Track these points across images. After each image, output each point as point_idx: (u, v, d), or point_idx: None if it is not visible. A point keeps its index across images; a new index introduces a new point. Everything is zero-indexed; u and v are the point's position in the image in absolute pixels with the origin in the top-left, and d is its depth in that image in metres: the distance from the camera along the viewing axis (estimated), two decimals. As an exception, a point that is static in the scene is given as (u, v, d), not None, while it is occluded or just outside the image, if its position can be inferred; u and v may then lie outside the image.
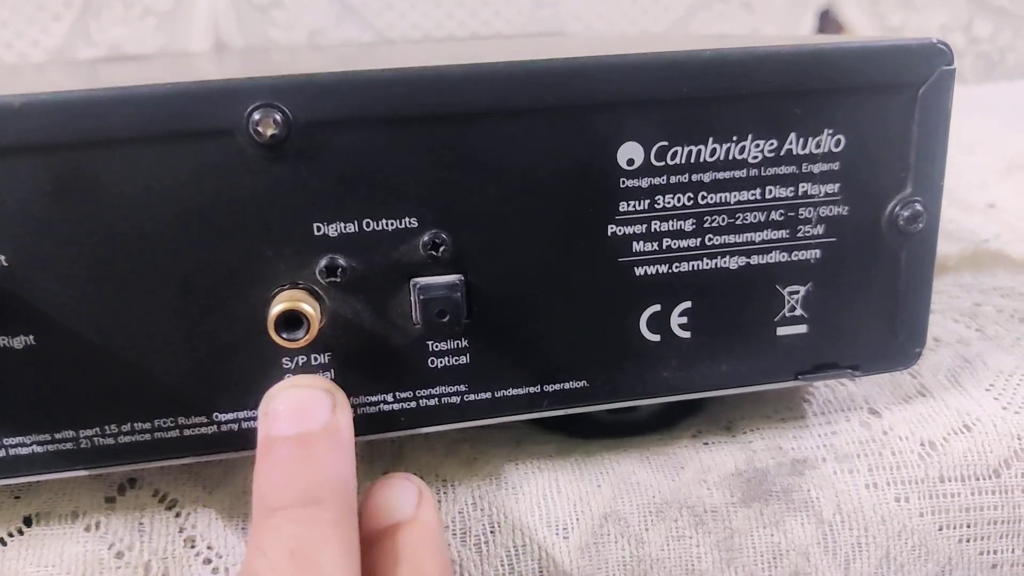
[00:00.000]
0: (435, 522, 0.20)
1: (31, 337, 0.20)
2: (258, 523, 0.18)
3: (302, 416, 0.19)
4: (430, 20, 0.90)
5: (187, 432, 0.21)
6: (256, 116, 0.19)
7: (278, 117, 0.19)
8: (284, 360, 0.21)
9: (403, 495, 0.20)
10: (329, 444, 0.19)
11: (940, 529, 0.24)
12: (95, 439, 0.21)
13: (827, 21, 1.01)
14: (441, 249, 0.21)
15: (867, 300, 0.23)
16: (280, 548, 0.18)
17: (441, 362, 0.22)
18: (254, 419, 0.22)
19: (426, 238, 0.20)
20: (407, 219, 0.20)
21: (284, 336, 0.20)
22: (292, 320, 0.20)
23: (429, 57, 0.24)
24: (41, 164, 0.19)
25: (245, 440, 0.22)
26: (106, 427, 0.21)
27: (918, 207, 0.22)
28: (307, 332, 0.20)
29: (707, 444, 0.25)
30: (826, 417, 0.25)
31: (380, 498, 0.20)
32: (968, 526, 0.24)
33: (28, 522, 0.23)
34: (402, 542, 0.19)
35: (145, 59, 0.44)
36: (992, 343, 0.28)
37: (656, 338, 0.22)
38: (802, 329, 0.23)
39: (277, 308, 0.20)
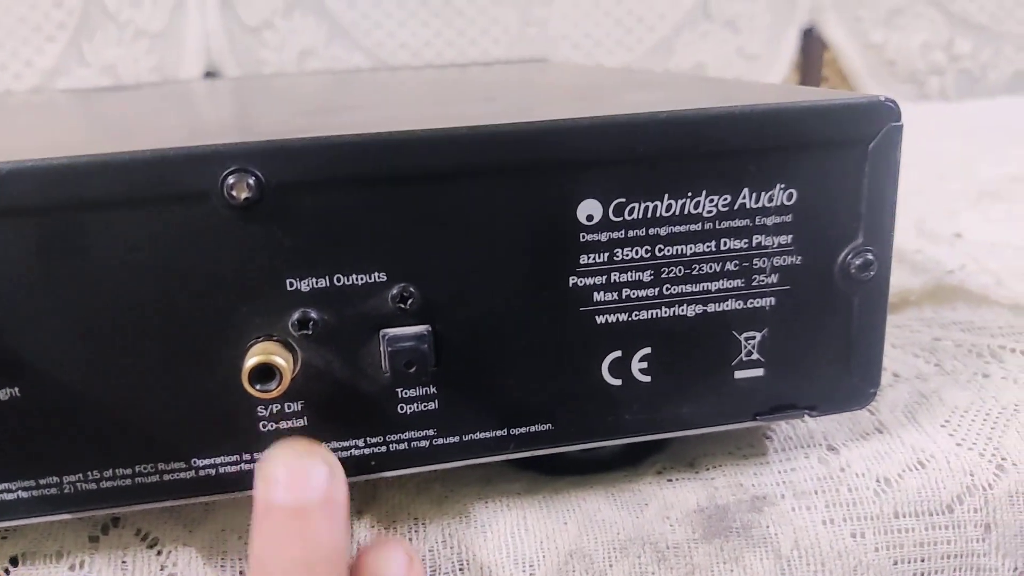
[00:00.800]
0: None
1: (16, 389, 0.21)
2: None
3: (301, 485, 0.20)
4: (419, 39, 0.91)
5: (167, 477, 0.22)
6: (230, 180, 0.20)
7: (251, 181, 0.20)
8: (259, 409, 0.22)
9: (394, 562, 0.21)
10: (326, 515, 0.20)
11: (895, 564, 0.25)
12: (78, 484, 0.22)
13: (811, 40, 1.02)
14: (409, 302, 0.22)
15: (822, 344, 0.24)
16: None
17: (411, 408, 0.23)
18: (230, 464, 0.22)
19: (395, 291, 0.21)
20: (376, 274, 0.21)
21: (258, 387, 0.21)
22: (265, 372, 0.21)
23: (399, 117, 0.25)
24: (27, 227, 0.20)
25: (222, 484, 0.23)
26: (89, 473, 0.22)
27: (869, 256, 0.23)
28: (279, 383, 0.21)
29: (671, 480, 0.26)
30: (786, 454, 0.26)
31: (371, 563, 0.21)
32: (922, 560, 0.25)
33: (15, 562, 0.23)
34: None
35: (131, 89, 0.45)
36: (949, 378, 0.29)
37: (618, 382, 0.23)
38: (759, 372, 0.24)
39: (251, 361, 0.21)
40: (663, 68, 0.96)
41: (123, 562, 0.23)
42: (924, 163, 0.61)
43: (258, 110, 0.31)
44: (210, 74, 0.88)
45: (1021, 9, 1.04)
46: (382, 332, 0.22)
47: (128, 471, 0.22)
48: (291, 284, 0.21)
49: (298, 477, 0.20)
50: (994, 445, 0.26)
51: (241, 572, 0.23)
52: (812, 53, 1.03)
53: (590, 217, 0.22)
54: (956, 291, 0.34)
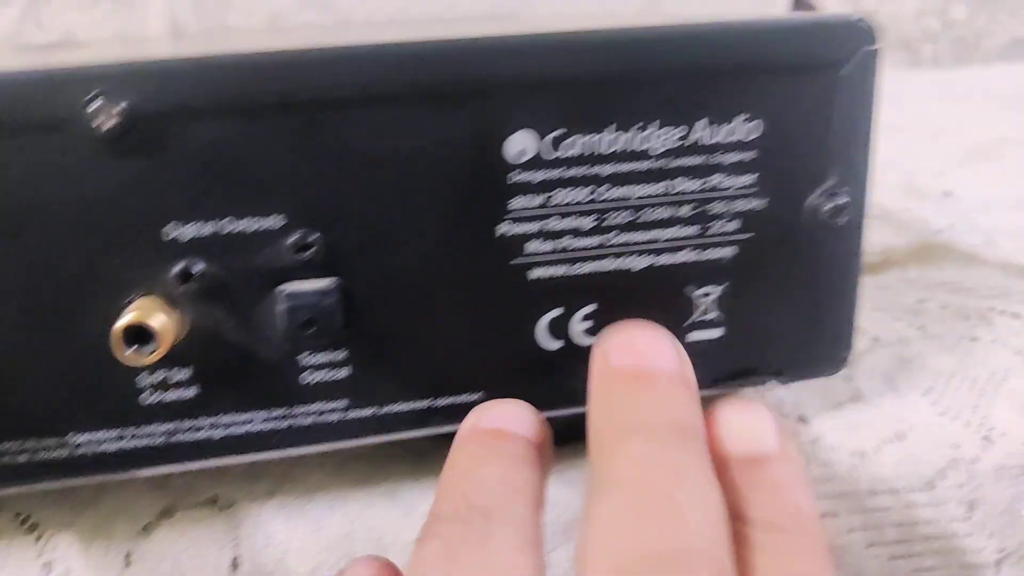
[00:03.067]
0: (803, 463, 0.19)
1: None
2: (614, 441, 0.17)
3: (659, 353, 0.18)
4: (393, 4, 0.87)
5: (40, 456, 0.19)
6: (94, 106, 0.17)
7: (117, 107, 0.17)
8: (140, 377, 0.19)
9: (765, 423, 0.18)
10: (687, 392, 0.18)
11: (870, 546, 0.22)
12: (-64, 465, 0.19)
13: (800, 5, 0.99)
14: (311, 251, 0.19)
15: (789, 301, 0.21)
16: (661, 460, 0.16)
17: (316, 376, 0.20)
18: (111, 441, 0.20)
19: (294, 239, 0.19)
20: (272, 218, 0.18)
21: (132, 350, 0.18)
22: (139, 334, 0.18)
23: (302, 40, 0.22)
24: None
25: (103, 463, 0.20)
26: (-54, 452, 0.19)
27: (841, 199, 0.20)
28: (155, 348, 0.18)
29: (623, 456, 0.23)
30: (751, 426, 0.24)
31: (737, 423, 0.18)
32: (900, 542, 0.22)
33: None
34: (776, 477, 0.18)
35: (81, 45, 0.42)
36: (934, 342, 0.26)
37: (558, 345, 0.21)
38: (717, 333, 0.21)
39: (120, 322, 0.18)
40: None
41: (-5, 550, 0.21)
42: (914, 125, 0.58)
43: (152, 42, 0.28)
44: (172, 40, 0.84)
45: (1015, -27, 1.01)
46: (280, 287, 0.19)
47: (-8, 450, 0.19)
48: (170, 231, 0.18)
49: (647, 345, 0.18)
50: (981, 415, 0.23)
51: (127, 554, 0.20)
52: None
53: (521, 153, 0.19)
54: (943, 250, 0.31)
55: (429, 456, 0.24)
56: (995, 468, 0.23)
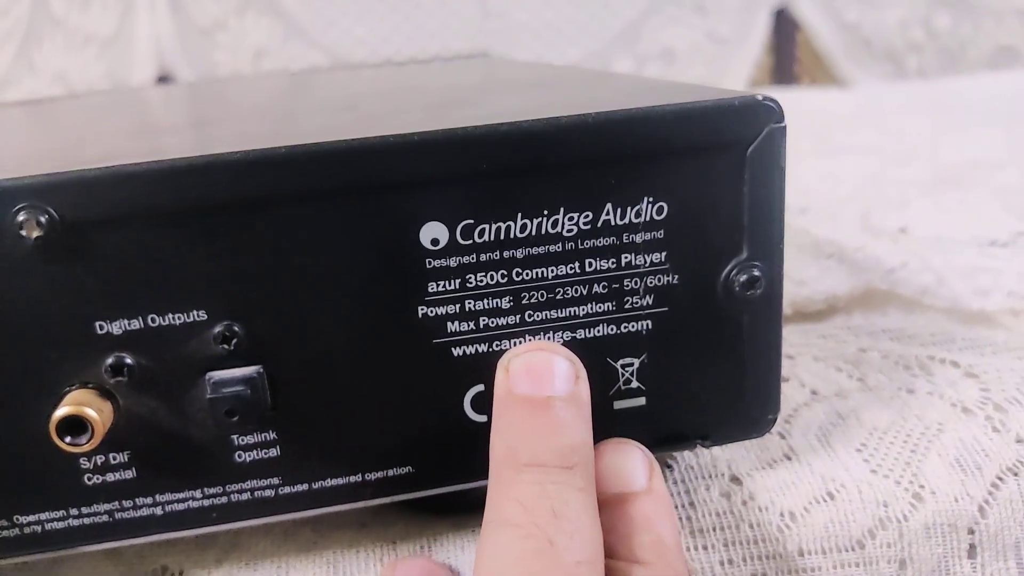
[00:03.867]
0: (668, 495, 0.21)
1: None
2: (510, 477, 0.19)
3: (550, 379, 0.20)
4: (376, 35, 0.89)
5: (-11, 537, 0.20)
6: (20, 218, 0.18)
7: (43, 218, 0.18)
8: (82, 461, 0.20)
9: (635, 462, 0.21)
10: (576, 412, 0.19)
11: (801, 605, 0.23)
12: None
13: (783, 20, 0.99)
14: (233, 342, 0.19)
15: (710, 369, 0.22)
16: (543, 505, 0.18)
17: (249, 455, 0.21)
18: (57, 520, 0.20)
19: (217, 331, 0.19)
20: (195, 312, 0.19)
21: (68, 441, 0.19)
22: (76, 424, 0.19)
23: (221, 137, 0.23)
24: None
25: (50, 540, 0.21)
26: None
27: (755, 271, 0.21)
28: (91, 436, 0.19)
29: (560, 519, 0.24)
30: (686, 485, 0.24)
31: (611, 465, 0.21)
32: (831, 600, 0.23)
33: None
34: (641, 512, 0.20)
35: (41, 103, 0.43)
36: (871, 395, 0.27)
37: (483, 418, 0.21)
38: (640, 402, 0.22)
39: (58, 413, 0.19)
40: (630, 55, 0.93)
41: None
42: (887, 148, 0.58)
43: (78, 133, 0.29)
44: (163, 78, 0.86)
45: (1002, -20, 1.01)
46: (208, 375, 0.20)
47: (-59, 534, 0.20)
48: (101, 327, 0.19)
49: (542, 371, 0.19)
50: (912, 471, 0.24)
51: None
52: (785, 34, 1.00)
53: (435, 241, 0.20)
54: (888, 296, 0.31)
55: (370, 525, 0.24)
56: (925, 526, 0.23)
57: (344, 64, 0.86)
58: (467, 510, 0.24)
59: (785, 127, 0.20)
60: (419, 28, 0.88)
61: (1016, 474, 0.24)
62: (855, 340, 0.30)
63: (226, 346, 0.19)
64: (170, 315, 0.19)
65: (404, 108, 0.26)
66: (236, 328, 0.19)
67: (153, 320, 0.19)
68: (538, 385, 0.19)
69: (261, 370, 0.20)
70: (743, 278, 0.21)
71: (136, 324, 0.19)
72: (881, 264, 0.35)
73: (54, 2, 0.84)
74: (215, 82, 0.57)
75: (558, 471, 0.19)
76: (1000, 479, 0.24)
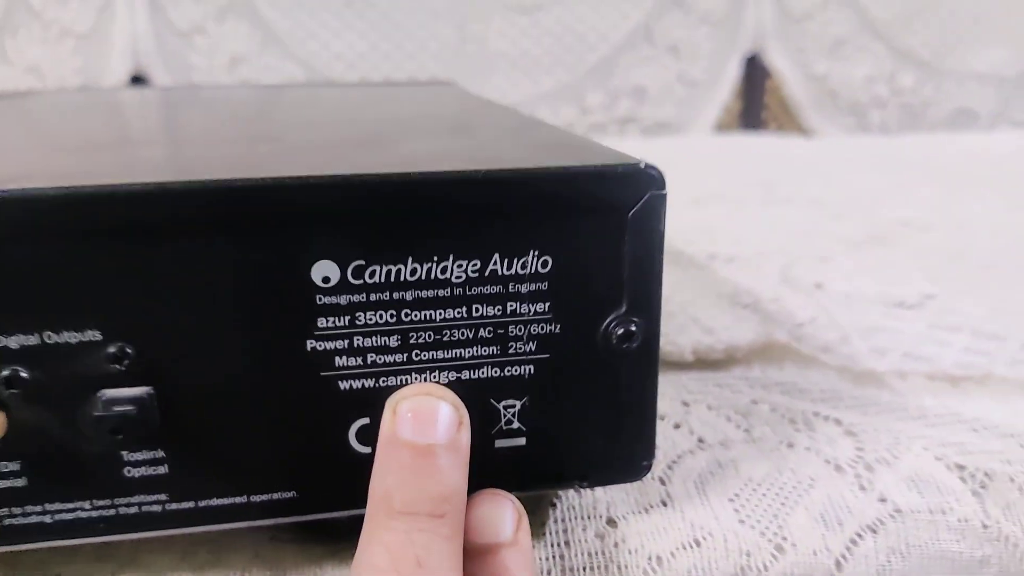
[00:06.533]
0: (531, 547, 0.22)
1: None
2: (382, 521, 0.20)
3: (433, 426, 0.20)
4: (354, 51, 0.90)
5: None
6: (-75, 230, 0.19)
7: (-55, 232, 0.19)
8: (-28, 467, 0.21)
9: (504, 515, 0.22)
10: (454, 460, 0.20)
11: (662, 645, 0.24)
12: None
13: (754, 67, 1.02)
14: (125, 362, 0.20)
15: (589, 414, 0.23)
16: (408, 554, 0.19)
17: (138, 471, 0.21)
18: (-55, 524, 0.21)
19: (110, 351, 0.20)
20: (89, 332, 0.20)
21: (-44, 448, 0.20)
22: (-37, 433, 0.20)
23: (128, 164, 0.24)
24: None
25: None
26: None
27: (632, 326, 0.22)
28: (-22, 445, 0.19)
29: (443, 548, 0.25)
30: (565, 524, 0.25)
31: (482, 515, 0.22)
32: (691, 642, 0.24)
33: None
34: (503, 563, 0.21)
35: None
36: (754, 447, 0.28)
37: (368, 450, 0.22)
38: (521, 441, 0.23)
39: (-54, 421, 0.19)
40: (602, 89, 0.95)
41: None
42: (829, 201, 0.60)
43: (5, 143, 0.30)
44: (137, 78, 0.86)
45: (963, 46, 1.04)
46: (99, 392, 0.21)
47: None
48: (-2, 340, 0.20)
49: (427, 417, 0.20)
50: (778, 523, 0.25)
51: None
52: (754, 81, 1.03)
53: (326, 279, 0.21)
54: (786, 350, 0.33)
55: (262, 555, 0.25)
56: None
57: (315, 81, 0.87)
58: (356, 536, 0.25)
59: (665, 194, 0.22)
60: (398, 48, 0.90)
61: (875, 531, 0.25)
62: (749, 391, 0.31)
63: (118, 366, 0.20)
64: (65, 333, 0.20)
65: (325, 144, 0.27)
66: (128, 350, 0.20)
67: (49, 337, 0.20)
68: (421, 431, 0.20)
69: (151, 391, 0.21)
70: (620, 331, 0.22)
71: (32, 340, 0.20)
72: (792, 317, 0.37)
73: (34, -7, 0.84)
74: (167, 91, 0.58)
75: (428, 519, 0.20)
76: (859, 535, 0.25)
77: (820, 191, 0.65)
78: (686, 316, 0.37)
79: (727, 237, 0.49)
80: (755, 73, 1.05)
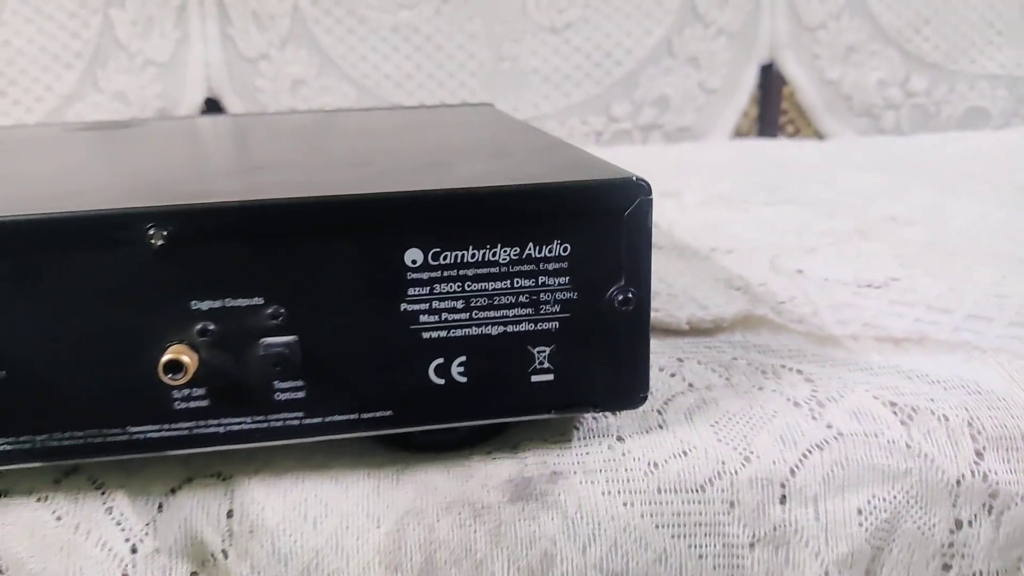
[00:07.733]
0: None
1: (3, 372, 0.30)
2: None
3: None
4: (401, 72, 1.00)
5: (109, 439, 0.31)
6: (151, 231, 0.29)
7: (165, 232, 0.29)
8: (174, 392, 0.30)
9: None
10: None
11: (657, 527, 0.32)
12: (45, 442, 0.30)
13: (770, 75, 1.09)
14: (279, 319, 0.30)
15: (598, 359, 0.32)
16: None
17: (284, 396, 0.31)
18: (153, 431, 0.31)
19: (270, 311, 0.30)
20: (255, 298, 0.30)
21: (169, 376, 0.29)
22: (175, 365, 0.29)
23: (291, 182, 0.34)
24: None
25: (148, 446, 0.31)
26: (52, 434, 0.30)
27: (629, 294, 0.31)
28: (184, 374, 0.29)
29: (495, 459, 0.34)
30: (585, 441, 0.34)
31: None
32: (678, 526, 0.33)
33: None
34: None
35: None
36: (732, 390, 0.37)
37: (441, 381, 0.31)
38: (549, 377, 0.32)
39: (164, 358, 0.29)
40: (627, 99, 1.03)
41: (76, 498, 0.32)
42: (827, 201, 0.68)
43: (175, 165, 0.39)
44: (210, 101, 0.97)
45: (974, 48, 1.10)
46: (261, 340, 0.30)
47: (80, 435, 0.30)
48: (194, 305, 0.30)
49: None
50: (747, 442, 0.34)
51: (160, 505, 0.32)
52: (771, 88, 1.10)
53: (414, 261, 0.30)
54: (763, 321, 0.41)
55: (368, 453, 0.34)
56: (750, 479, 0.33)
57: (374, 106, 0.98)
58: (436, 450, 0.35)
59: (652, 199, 0.31)
60: (440, 67, 0.99)
61: (822, 448, 0.34)
62: (731, 351, 0.40)
63: (275, 321, 0.30)
64: (240, 299, 0.30)
65: (404, 168, 0.36)
66: (281, 310, 0.30)
67: (228, 302, 0.30)
68: None
69: (297, 339, 0.30)
70: (620, 297, 0.31)
71: (217, 304, 0.30)
72: (775, 297, 0.45)
73: (119, 28, 0.96)
74: (253, 118, 0.68)
75: None
76: (809, 451, 0.34)
77: (821, 192, 0.72)
78: (686, 296, 0.45)
79: (728, 233, 0.58)
80: (771, 80, 1.13)
